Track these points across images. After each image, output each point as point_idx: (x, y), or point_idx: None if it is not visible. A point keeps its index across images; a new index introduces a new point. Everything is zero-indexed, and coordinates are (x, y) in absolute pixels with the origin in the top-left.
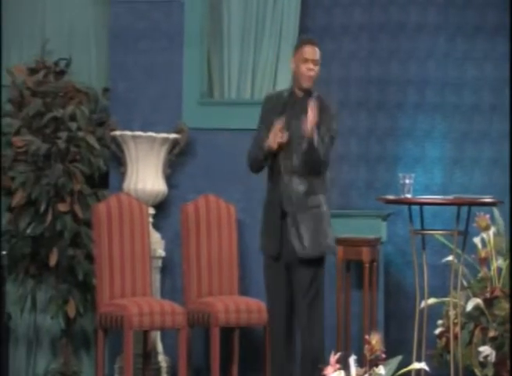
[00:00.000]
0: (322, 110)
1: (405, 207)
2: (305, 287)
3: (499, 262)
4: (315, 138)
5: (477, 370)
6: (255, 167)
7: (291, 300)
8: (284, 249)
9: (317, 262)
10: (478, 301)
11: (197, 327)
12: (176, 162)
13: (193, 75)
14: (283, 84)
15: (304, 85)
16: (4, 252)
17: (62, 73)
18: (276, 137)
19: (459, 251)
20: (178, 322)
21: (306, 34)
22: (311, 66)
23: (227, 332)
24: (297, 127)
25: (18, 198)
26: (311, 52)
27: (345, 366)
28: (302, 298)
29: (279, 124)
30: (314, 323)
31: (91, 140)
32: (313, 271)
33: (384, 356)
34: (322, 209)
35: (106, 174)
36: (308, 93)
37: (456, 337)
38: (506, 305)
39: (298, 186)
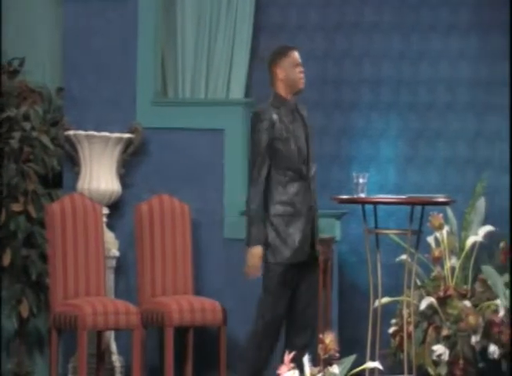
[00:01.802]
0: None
1: (359, 206)
2: (316, 286)
3: (453, 261)
4: None
5: (430, 369)
6: None
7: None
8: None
9: None
10: (432, 300)
11: (151, 326)
12: (130, 162)
13: (147, 75)
14: (237, 83)
15: (301, 87)
16: None
17: (15, 72)
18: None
19: (412, 250)
20: (132, 322)
21: (280, 44)
22: (301, 68)
23: (181, 332)
24: (298, 130)
25: None
26: (298, 56)
27: (299, 366)
28: (312, 297)
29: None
30: (314, 318)
31: (45, 140)
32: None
33: (337, 355)
34: None
35: (60, 174)
36: (293, 95)
37: (409, 336)
38: (459, 304)
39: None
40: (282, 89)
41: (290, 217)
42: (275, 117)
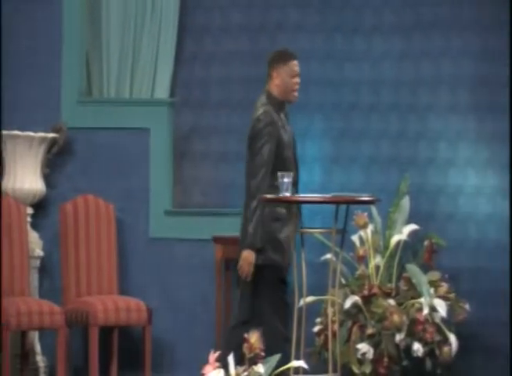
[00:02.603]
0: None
1: None
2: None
3: (377, 260)
4: None
5: (355, 368)
6: None
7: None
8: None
9: None
10: (356, 298)
11: (76, 326)
12: (55, 161)
13: (72, 74)
14: (162, 83)
15: (291, 99)
16: None
17: None
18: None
19: (337, 249)
20: (57, 322)
21: (284, 47)
22: (298, 80)
23: (106, 332)
24: (289, 134)
25: None
26: (297, 66)
27: (224, 365)
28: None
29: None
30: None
31: None
32: None
33: (262, 354)
34: None
35: None
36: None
37: (334, 334)
38: (384, 303)
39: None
40: (275, 92)
41: (284, 221)
42: (279, 122)
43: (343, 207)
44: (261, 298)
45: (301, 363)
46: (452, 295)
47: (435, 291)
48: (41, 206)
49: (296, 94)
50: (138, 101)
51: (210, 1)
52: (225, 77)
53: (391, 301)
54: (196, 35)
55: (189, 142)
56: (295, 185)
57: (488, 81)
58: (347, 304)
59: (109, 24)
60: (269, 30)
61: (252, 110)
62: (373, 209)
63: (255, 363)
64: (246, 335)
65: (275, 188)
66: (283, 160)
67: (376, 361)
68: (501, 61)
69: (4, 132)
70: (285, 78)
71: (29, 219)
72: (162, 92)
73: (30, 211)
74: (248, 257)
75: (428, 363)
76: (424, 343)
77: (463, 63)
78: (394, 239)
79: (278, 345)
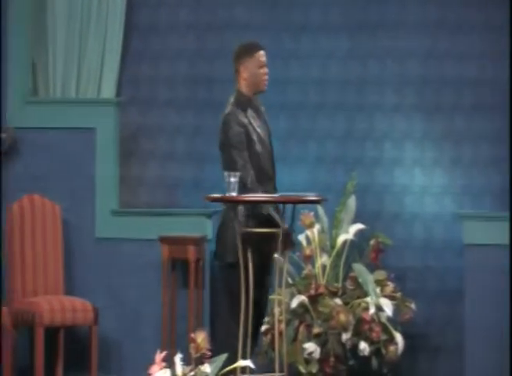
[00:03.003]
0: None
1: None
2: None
3: (324, 259)
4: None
5: (301, 367)
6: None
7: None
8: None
9: None
10: (303, 298)
11: (22, 326)
12: (1, 161)
13: (18, 74)
14: (108, 82)
15: (263, 89)
16: None
17: None
18: None
19: None
20: (3, 322)
21: (248, 40)
22: (266, 70)
23: (52, 332)
24: (263, 130)
25: None
26: (264, 56)
27: (171, 365)
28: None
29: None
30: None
31: None
32: None
33: (209, 354)
34: None
35: None
36: (254, 95)
37: (280, 334)
38: (330, 302)
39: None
40: (244, 87)
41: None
42: (245, 120)
43: (289, 206)
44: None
45: (248, 363)
46: (398, 295)
47: (381, 290)
48: None
49: (266, 83)
50: (84, 100)
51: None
52: (172, 75)
53: (338, 301)
54: (143, 34)
55: (135, 142)
56: (271, 180)
57: (433, 81)
58: (294, 303)
59: (55, 23)
60: (217, 29)
61: (196, 108)
62: (320, 209)
63: (202, 363)
64: (192, 335)
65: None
66: (256, 155)
67: (322, 360)
68: (446, 61)
69: None
70: (252, 70)
71: None
72: (108, 91)
73: None
74: None
75: (374, 363)
76: (370, 342)
77: (409, 63)
78: (341, 238)
79: (229, 343)
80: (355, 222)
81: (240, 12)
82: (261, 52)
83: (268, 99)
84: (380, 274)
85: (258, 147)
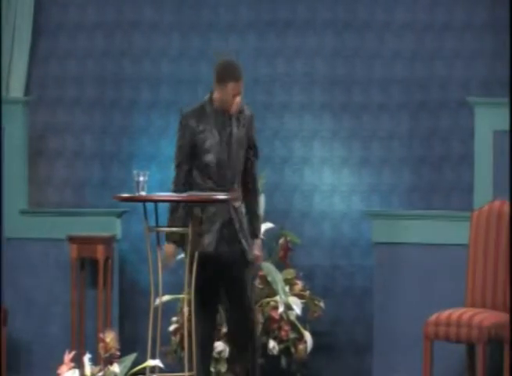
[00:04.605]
0: (243, 118)
1: (140, 204)
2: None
3: None
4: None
5: (210, 366)
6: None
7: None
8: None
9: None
10: None
11: None
12: None
13: None
14: (17, 81)
15: (232, 113)
16: None
17: None
18: (168, 261)
19: None
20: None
21: (227, 62)
22: (238, 99)
23: None
24: (226, 136)
25: None
26: (237, 87)
27: (80, 365)
28: (245, 294)
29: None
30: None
31: None
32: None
33: (118, 353)
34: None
35: None
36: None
37: (190, 333)
38: None
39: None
40: (216, 101)
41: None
42: (193, 124)
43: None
44: None
45: (157, 362)
46: (307, 293)
47: (290, 289)
48: None
49: (234, 109)
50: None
51: None
52: (80, 75)
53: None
54: (51, 33)
55: (43, 141)
56: (228, 186)
57: (341, 81)
58: None
59: None
60: (124, 28)
61: (106, 108)
62: None
63: (111, 363)
64: (101, 335)
65: (203, 190)
66: (205, 163)
67: (231, 360)
68: (353, 59)
69: None
70: (223, 96)
71: None
72: (17, 90)
73: None
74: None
75: (284, 361)
76: (280, 341)
77: (317, 62)
78: None
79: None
80: (263, 220)
81: (167, 11)
82: (233, 85)
83: (176, 99)
84: (289, 273)
85: (210, 156)
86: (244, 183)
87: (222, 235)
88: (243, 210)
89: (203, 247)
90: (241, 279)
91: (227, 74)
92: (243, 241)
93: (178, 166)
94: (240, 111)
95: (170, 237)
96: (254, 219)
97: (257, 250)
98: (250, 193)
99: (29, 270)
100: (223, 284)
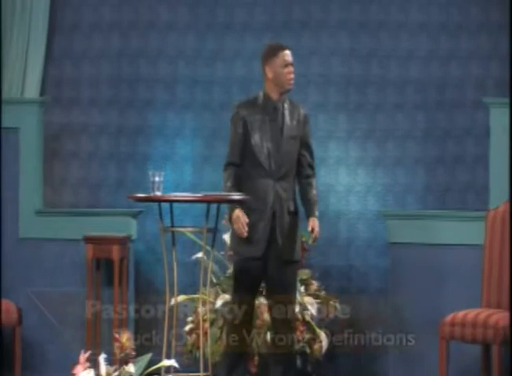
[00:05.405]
0: (297, 114)
1: (156, 204)
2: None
3: None
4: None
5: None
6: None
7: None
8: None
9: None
10: (227, 297)
11: None
12: None
13: None
14: (32, 82)
15: (288, 87)
16: None
17: None
18: (242, 230)
19: (208, 248)
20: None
21: (273, 42)
22: (291, 69)
23: None
24: (274, 128)
25: None
26: (290, 55)
27: (95, 365)
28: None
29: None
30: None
31: None
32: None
33: (134, 353)
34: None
35: None
36: (281, 94)
37: (205, 333)
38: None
39: (282, 189)
40: (269, 88)
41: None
42: (244, 112)
43: (214, 206)
44: None
45: (172, 362)
46: (322, 293)
47: (306, 289)
48: None
49: (291, 82)
50: (7, 100)
51: (80, 0)
52: (96, 75)
53: (262, 300)
54: (67, 34)
55: (59, 142)
56: (271, 175)
57: (356, 81)
58: (219, 303)
59: None
60: (140, 29)
61: (122, 108)
62: None
63: (126, 363)
64: (116, 335)
65: (251, 178)
66: (253, 149)
67: (247, 360)
68: (368, 60)
69: None
70: (277, 69)
71: None
72: (32, 91)
73: None
74: None
75: (299, 361)
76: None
77: (332, 63)
78: None
79: None
80: None
81: (164, 11)
82: (286, 52)
83: (191, 99)
84: (305, 273)
85: (259, 141)
86: (300, 179)
87: (268, 238)
88: (292, 207)
89: (250, 252)
90: (285, 281)
91: (276, 46)
92: (286, 243)
93: (227, 166)
94: (295, 106)
95: (233, 207)
96: (309, 204)
97: (315, 226)
98: (305, 188)
99: (44, 270)
100: (266, 286)
